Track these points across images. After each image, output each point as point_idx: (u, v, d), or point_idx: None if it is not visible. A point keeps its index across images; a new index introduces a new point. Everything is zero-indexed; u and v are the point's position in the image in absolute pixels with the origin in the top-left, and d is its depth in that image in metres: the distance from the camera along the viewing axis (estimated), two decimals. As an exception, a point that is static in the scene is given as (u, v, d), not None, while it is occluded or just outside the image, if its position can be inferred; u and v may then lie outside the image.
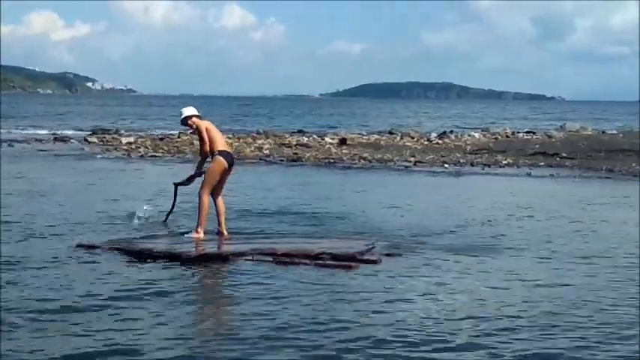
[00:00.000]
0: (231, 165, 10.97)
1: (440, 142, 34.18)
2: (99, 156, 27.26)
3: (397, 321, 7.13)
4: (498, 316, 7.35)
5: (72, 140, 35.09)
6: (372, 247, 10.28)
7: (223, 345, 6.43)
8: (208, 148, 10.84)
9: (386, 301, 7.85)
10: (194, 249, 10.08)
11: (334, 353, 6.27)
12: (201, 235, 10.80)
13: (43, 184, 17.63)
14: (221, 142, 10.95)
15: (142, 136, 35.71)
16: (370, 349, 6.35)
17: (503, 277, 9.13)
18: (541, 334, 6.82)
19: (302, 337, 6.60)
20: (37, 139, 35.50)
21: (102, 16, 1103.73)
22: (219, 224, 11.10)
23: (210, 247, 10.27)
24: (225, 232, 11.07)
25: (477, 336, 6.77)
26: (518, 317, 7.33)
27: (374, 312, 7.45)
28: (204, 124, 10.96)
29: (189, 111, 11.11)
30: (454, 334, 6.81)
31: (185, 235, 10.90)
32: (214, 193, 11.03)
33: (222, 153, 10.85)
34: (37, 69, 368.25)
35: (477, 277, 9.11)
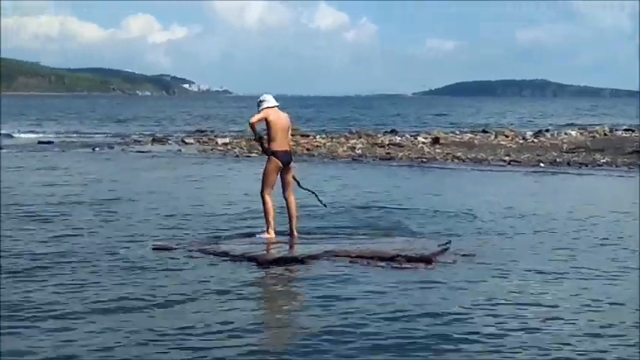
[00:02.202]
0: (286, 164, 10.98)
1: (535, 140, 33.60)
2: (194, 157, 27.79)
3: (478, 332, 6.99)
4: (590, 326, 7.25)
5: (169, 141, 35.86)
6: (447, 248, 10.21)
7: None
8: (266, 139, 10.91)
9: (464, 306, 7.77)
10: (270, 251, 10.12)
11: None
12: (272, 234, 10.90)
13: (135, 186, 18.10)
14: (278, 142, 10.84)
15: (237, 137, 36.23)
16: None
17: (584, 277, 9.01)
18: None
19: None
20: (135, 140, 36.44)
21: (197, 18, 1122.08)
22: (290, 225, 11.18)
23: (285, 250, 10.30)
24: (295, 233, 11.14)
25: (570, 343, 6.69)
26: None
27: (450, 314, 7.40)
28: (271, 116, 10.84)
29: (266, 102, 11.00)
30: (547, 340, 6.72)
31: (257, 236, 11.00)
32: (284, 193, 11.10)
33: (276, 153, 10.85)
34: (135, 71, 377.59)
35: (558, 279, 8.97)
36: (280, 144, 10.88)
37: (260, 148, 11.45)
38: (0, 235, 11.13)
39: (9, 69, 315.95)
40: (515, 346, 6.49)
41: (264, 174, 11.00)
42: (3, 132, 42.59)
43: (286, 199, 11.13)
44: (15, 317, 7.09)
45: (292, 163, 11.19)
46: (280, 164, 10.89)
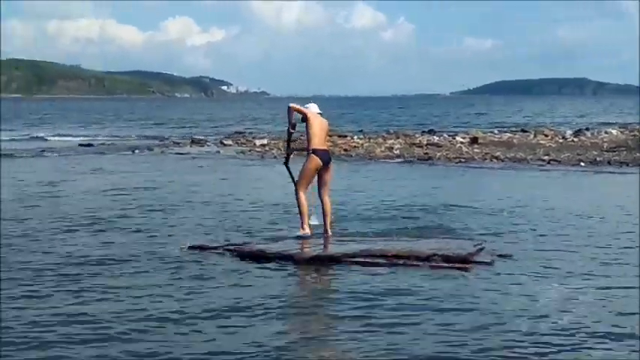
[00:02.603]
0: (326, 163, 11.10)
1: (575, 139, 33.22)
2: (233, 159, 27.90)
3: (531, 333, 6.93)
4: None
5: (208, 143, 36.03)
6: (482, 248, 10.11)
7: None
8: (299, 142, 11.10)
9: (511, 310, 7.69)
10: (306, 250, 10.15)
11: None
12: (307, 230, 11.01)
13: (173, 187, 18.29)
14: (318, 140, 11.04)
15: (275, 139, 36.31)
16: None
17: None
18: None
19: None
20: (174, 142, 36.67)
21: (235, 20, 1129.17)
22: (324, 224, 11.26)
23: (321, 249, 10.32)
24: (330, 232, 11.21)
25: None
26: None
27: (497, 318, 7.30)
28: (311, 116, 11.14)
29: (309, 107, 11.39)
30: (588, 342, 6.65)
31: (296, 234, 11.10)
32: (320, 192, 11.23)
33: (316, 152, 11.01)
34: (174, 74, 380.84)
35: (599, 279, 8.86)
36: (320, 143, 11.07)
37: (286, 144, 11.89)
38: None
39: (49, 72, 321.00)
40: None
41: (302, 172, 11.14)
42: (38, 135, 43.51)
43: (321, 199, 11.25)
44: (61, 326, 7.10)
45: (331, 163, 11.29)
46: (320, 162, 11.01)
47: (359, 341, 6.57)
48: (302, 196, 11.06)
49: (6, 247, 10.51)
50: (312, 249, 10.25)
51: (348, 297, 8.04)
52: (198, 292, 8.24)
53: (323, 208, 11.26)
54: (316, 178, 11.19)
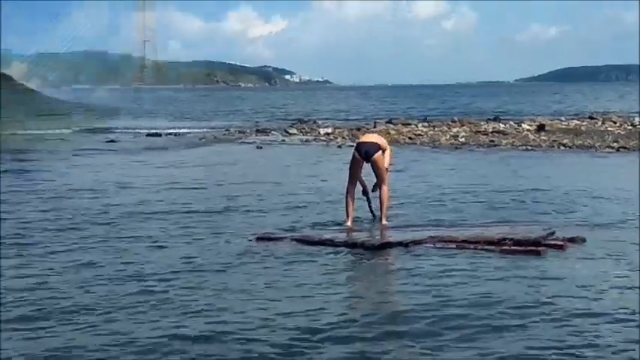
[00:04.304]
0: (365, 154, 11.26)
1: (645, 126, 32.59)
2: (297, 147, 28.04)
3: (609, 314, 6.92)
4: None
5: (273, 132, 36.23)
6: (552, 232, 10.02)
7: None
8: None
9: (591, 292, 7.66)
10: (374, 237, 10.21)
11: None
12: (348, 222, 11.27)
13: (239, 176, 18.43)
14: (362, 137, 11.84)
15: (339, 127, 36.37)
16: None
17: None
18: None
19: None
20: (239, 132, 36.95)
21: (298, 9, 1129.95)
22: (381, 213, 11.44)
23: (389, 235, 10.35)
24: (384, 221, 11.35)
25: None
26: None
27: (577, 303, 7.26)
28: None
29: None
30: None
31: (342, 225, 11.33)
32: (378, 182, 11.43)
33: (356, 146, 11.55)
34: (237, 63, 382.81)
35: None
36: (364, 138, 11.72)
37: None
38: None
39: (116, 63, 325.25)
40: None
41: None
42: (105, 126, 44.19)
43: (380, 189, 11.45)
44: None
45: (377, 155, 11.28)
46: (357, 154, 11.33)
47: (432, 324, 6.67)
48: (348, 188, 11.46)
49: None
50: (380, 236, 10.34)
51: (418, 281, 8.11)
52: (277, 283, 8.30)
53: (380, 196, 11.47)
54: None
